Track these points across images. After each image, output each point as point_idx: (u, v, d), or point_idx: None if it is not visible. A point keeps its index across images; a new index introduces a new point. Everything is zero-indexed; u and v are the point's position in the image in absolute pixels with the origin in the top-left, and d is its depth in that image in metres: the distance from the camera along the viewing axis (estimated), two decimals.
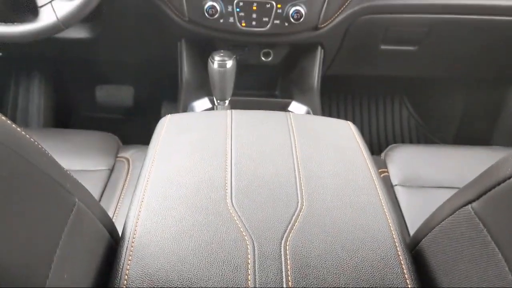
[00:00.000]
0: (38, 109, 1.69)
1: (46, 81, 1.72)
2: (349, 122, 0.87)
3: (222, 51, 1.12)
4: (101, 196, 0.98)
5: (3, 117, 0.42)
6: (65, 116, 1.84)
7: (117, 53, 1.53)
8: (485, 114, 1.75)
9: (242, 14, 1.20)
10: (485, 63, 1.51)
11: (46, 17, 1.00)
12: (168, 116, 0.85)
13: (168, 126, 0.81)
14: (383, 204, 0.66)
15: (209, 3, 1.17)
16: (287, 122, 0.82)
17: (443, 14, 1.27)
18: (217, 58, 1.10)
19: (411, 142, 1.85)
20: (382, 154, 1.15)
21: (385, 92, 1.86)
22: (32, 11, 1.03)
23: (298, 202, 0.65)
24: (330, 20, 1.23)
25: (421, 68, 1.56)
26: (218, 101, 1.15)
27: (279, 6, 1.19)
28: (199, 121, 0.82)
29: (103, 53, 1.54)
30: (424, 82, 1.79)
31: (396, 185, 1.03)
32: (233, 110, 0.85)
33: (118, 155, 1.10)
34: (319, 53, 1.36)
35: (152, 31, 1.37)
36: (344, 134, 0.81)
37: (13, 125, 0.43)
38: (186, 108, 1.31)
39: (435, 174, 1.04)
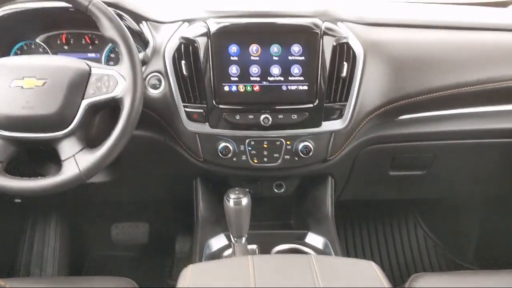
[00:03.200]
0: (54, 252, 1.70)
1: (62, 223, 1.75)
2: (371, 262, 0.86)
3: (237, 188, 1.16)
4: None
5: None
6: (80, 257, 1.83)
7: (134, 193, 1.58)
8: (504, 231, 1.73)
9: (253, 152, 1.26)
10: (495, 182, 1.53)
11: (69, 170, 1.04)
12: (190, 267, 0.85)
13: (191, 279, 0.80)
14: None
15: (223, 144, 1.24)
16: (310, 267, 0.81)
17: (447, 140, 1.33)
18: (232, 196, 1.13)
19: (430, 263, 1.80)
20: (406, 284, 1.12)
21: (399, 214, 1.86)
22: (55, 164, 1.08)
23: None
24: (338, 153, 1.28)
25: (432, 190, 1.58)
26: (235, 239, 1.15)
27: (288, 142, 1.25)
28: (221, 271, 0.81)
29: (121, 194, 1.59)
30: (437, 202, 1.80)
31: None
32: (254, 256, 0.85)
33: None
34: (329, 182, 1.39)
35: (168, 171, 1.42)
36: (368, 275, 0.80)
37: None
38: (203, 247, 1.30)
39: None
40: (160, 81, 1.25)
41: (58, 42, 1.38)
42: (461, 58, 1.29)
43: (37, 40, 1.38)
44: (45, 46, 1.38)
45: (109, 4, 1.25)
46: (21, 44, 1.37)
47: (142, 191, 1.57)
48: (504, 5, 1.69)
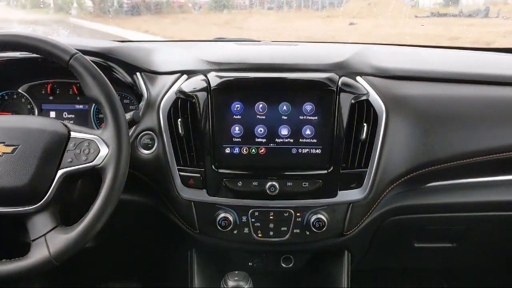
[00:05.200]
0: None
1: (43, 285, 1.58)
2: None
3: (236, 273, 0.99)
4: None
5: None
6: None
7: (120, 259, 1.42)
8: None
9: (257, 224, 1.09)
10: None
11: (38, 252, 0.89)
12: None
13: None
14: None
15: (222, 215, 1.07)
16: None
17: (483, 212, 1.15)
18: (231, 284, 0.96)
19: None
20: None
21: (422, 281, 1.66)
22: (23, 245, 0.93)
23: None
24: (356, 226, 1.10)
25: (462, 261, 1.39)
26: None
27: (298, 214, 1.08)
28: None
29: (108, 259, 1.42)
30: (466, 271, 1.61)
31: None
32: None
33: None
34: (346, 258, 1.21)
35: (159, 240, 1.26)
36: None
37: None
38: None
39: None
40: (153, 140, 1.10)
41: (43, 92, 1.25)
42: (499, 118, 1.12)
43: (20, 90, 1.25)
44: (28, 97, 1.25)
45: (99, 55, 1.13)
46: (1, 94, 1.24)
47: (129, 258, 1.40)
48: None
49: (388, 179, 1.08)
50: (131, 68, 1.16)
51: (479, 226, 1.20)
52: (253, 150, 1.06)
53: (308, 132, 1.05)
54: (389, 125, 1.07)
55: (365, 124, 1.05)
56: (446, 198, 1.15)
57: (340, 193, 1.07)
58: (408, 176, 1.10)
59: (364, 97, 1.05)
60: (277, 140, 1.06)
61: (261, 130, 1.05)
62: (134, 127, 1.10)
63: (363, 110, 1.05)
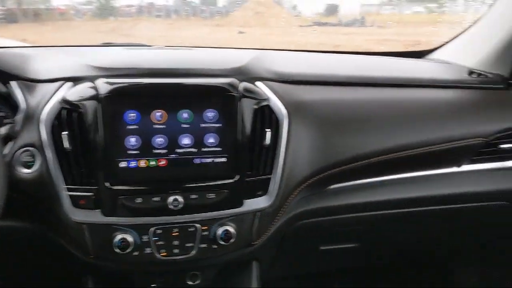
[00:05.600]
0: None
1: None
2: None
3: None
4: None
5: None
6: None
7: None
8: None
9: (161, 242, 1.00)
10: (430, 248, 1.43)
11: None
12: None
13: None
14: None
15: (120, 236, 0.97)
16: None
17: (385, 210, 1.19)
18: None
19: None
20: None
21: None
22: None
23: None
24: (265, 235, 1.07)
25: (364, 260, 1.43)
26: None
27: (204, 228, 1.01)
28: None
29: None
30: (369, 270, 1.66)
31: None
32: None
33: None
34: (254, 268, 1.17)
35: (49, 267, 1.11)
36: None
37: None
38: None
39: None
40: (34, 157, 0.96)
41: None
42: (394, 119, 1.17)
43: None
44: None
45: None
46: None
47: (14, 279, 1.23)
48: (419, 55, 1.65)
49: (293, 184, 1.07)
50: (5, 76, 1.01)
51: (381, 225, 1.24)
52: (152, 163, 0.98)
53: (211, 140, 0.99)
54: (292, 130, 1.06)
55: (268, 130, 1.03)
56: (349, 199, 1.18)
57: (247, 202, 1.03)
58: (312, 179, 1.10)
59: (265, 103, 1.03)
60: (178, 150, 0.98)
61: (160, 141, 0.97)
62: (10, 143, 0.95)
63: (265, 115, 1.03)
